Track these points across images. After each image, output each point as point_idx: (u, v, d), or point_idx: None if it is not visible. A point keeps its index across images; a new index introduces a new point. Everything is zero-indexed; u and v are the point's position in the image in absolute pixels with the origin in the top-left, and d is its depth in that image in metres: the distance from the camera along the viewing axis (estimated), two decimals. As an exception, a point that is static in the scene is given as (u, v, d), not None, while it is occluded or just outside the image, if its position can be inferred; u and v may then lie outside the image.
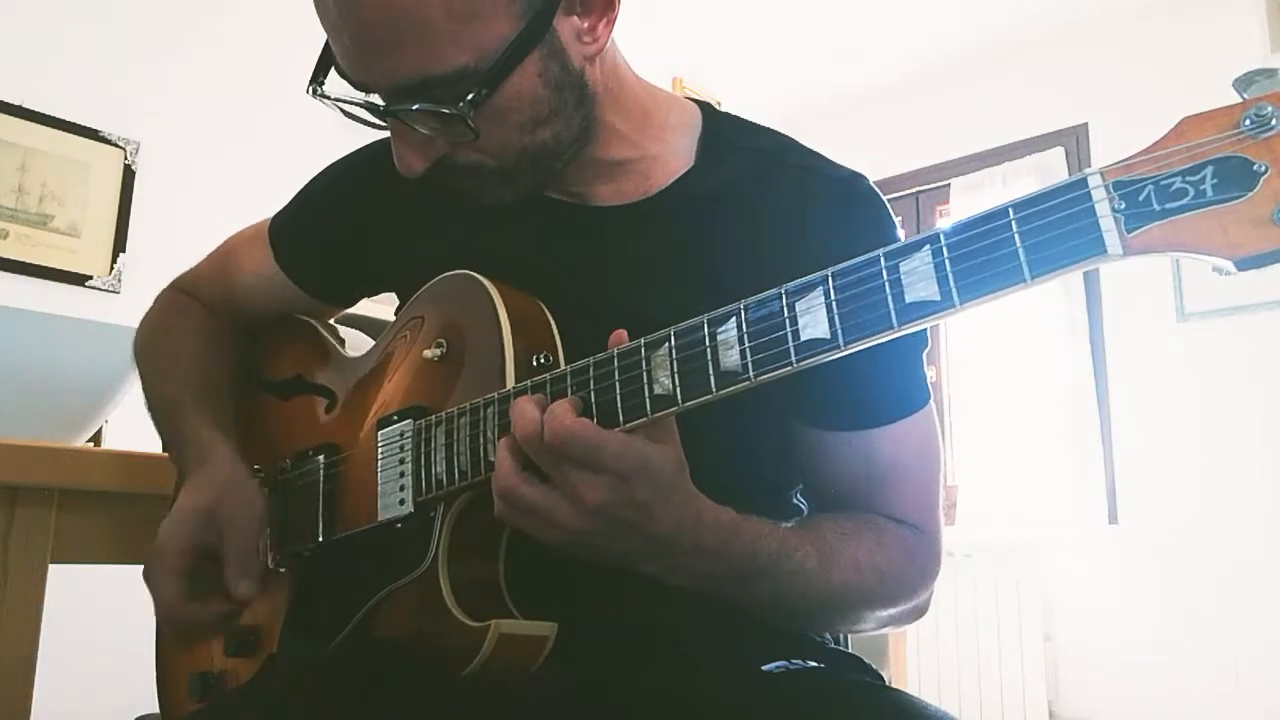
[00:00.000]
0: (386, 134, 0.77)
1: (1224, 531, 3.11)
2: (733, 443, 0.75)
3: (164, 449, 0.94)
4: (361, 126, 0.76)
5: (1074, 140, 3.65)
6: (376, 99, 0.71)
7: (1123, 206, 0.49)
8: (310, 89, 0.74)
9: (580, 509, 0.61)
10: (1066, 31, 3.66)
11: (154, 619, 0.96)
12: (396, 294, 0.90)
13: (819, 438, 0.78)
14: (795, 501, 0.84)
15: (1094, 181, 0.49)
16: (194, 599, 0.79)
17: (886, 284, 0.54)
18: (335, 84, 0.74)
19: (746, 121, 0.87)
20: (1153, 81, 3.34)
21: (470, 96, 0.68)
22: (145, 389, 0.98)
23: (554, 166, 0.77)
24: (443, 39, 0.66)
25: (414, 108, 0.69)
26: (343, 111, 0.75)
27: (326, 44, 0.73)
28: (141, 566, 1.03)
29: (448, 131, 0.71)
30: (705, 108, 0.87)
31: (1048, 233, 0.50)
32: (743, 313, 0.59)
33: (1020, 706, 3.33)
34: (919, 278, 0.53)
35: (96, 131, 2.76)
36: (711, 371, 0.59)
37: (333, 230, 0.94)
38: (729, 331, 0.59)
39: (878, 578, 0.73)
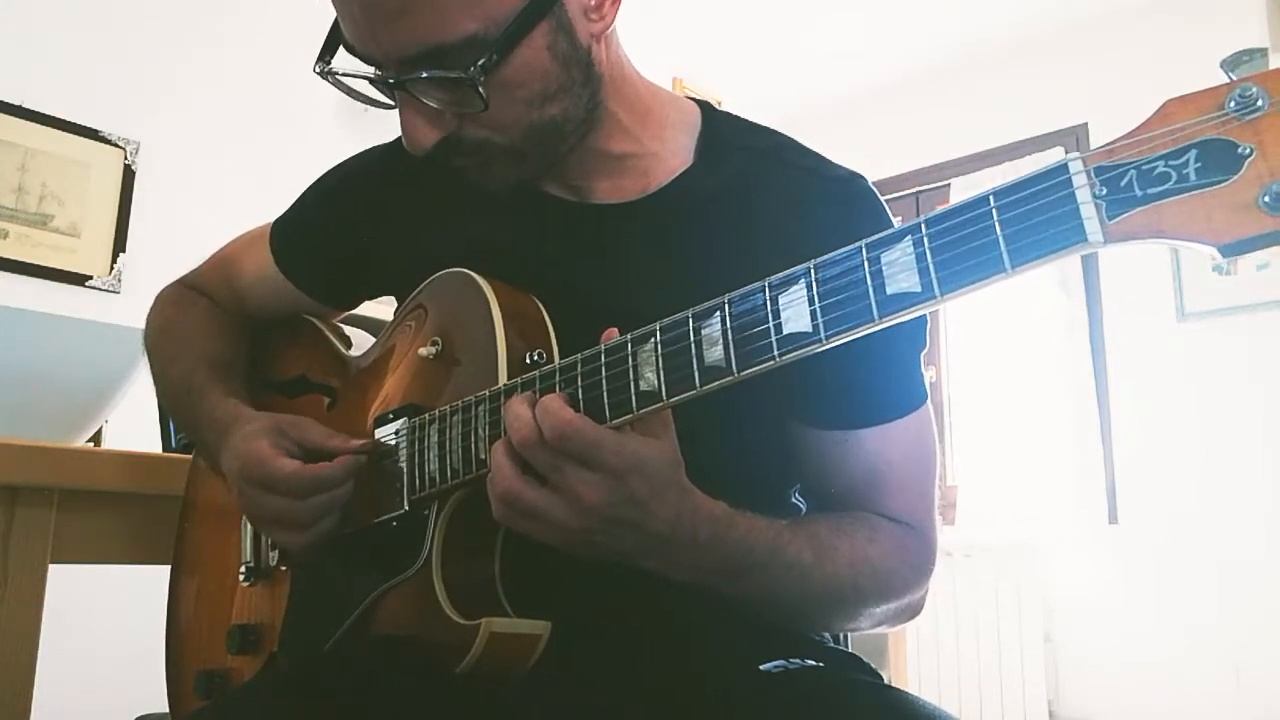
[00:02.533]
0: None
1: (1224, 531, 3.10)
2: (730, 442, 0.75)
3: (179, 432, 0.92)
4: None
5: (1074, 140, 3.64)
6: (385, 74, 0.71)
7: (1104, 192, 0.47)
8: (317, 67, 0.74)
9: (578, 509, 0.61)
10: (1066, 31, 3.66)
11: (153, 619, 0.97)
12: (396, 297, 0.89)
13: (816, 437, 0.78)
14: (794, 500, 0.84)
15: (1075, 167, 0.48)
16: (311, 464, 0.74)
17: (868, 275, 0.53)
18: (342, 65, 0.74)
19: (745, 121, 0.87)
20: (1153, 82, 3.32)
21: (480, 62, 0.68)
22: (156, 379, 0.98)
23: (560, 148, 0.77)
24: (453, 6, 0.67)
25: (424, 75, 0.69)
26: (350, 90, 0.75)
27: (335, 23, 0.73)
28: (143, 567, 1.04)
29: (457, 102, 0.71)
30: (705, 107, 0.87)
31: (1028, 220, 0.49)
32: (727, 307, 0.58)
33: (1020, 706, 3.33)
34: (900, 269, 0.52)
35: (96, 131, 2.75)
36: (696, 367, 0.58)
37: (332, 235, 0.94)
38: (713, 326, 0.58)
39: (871, 573, 0.73)
